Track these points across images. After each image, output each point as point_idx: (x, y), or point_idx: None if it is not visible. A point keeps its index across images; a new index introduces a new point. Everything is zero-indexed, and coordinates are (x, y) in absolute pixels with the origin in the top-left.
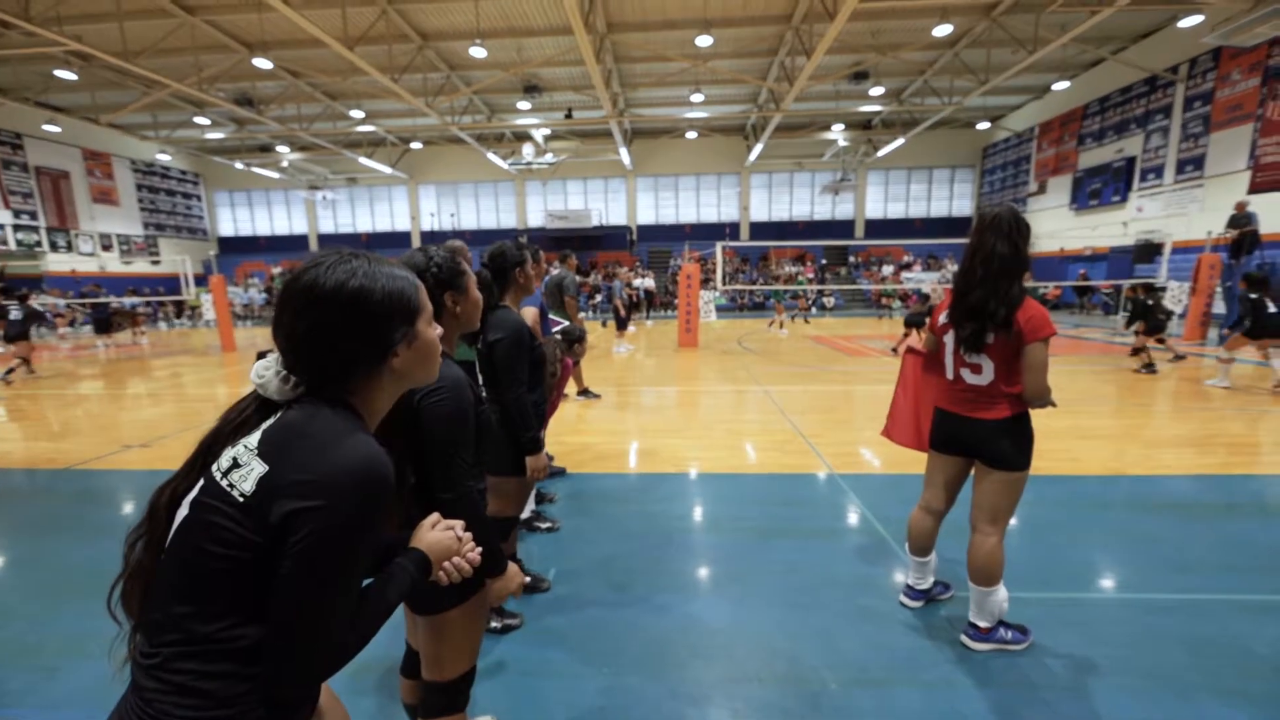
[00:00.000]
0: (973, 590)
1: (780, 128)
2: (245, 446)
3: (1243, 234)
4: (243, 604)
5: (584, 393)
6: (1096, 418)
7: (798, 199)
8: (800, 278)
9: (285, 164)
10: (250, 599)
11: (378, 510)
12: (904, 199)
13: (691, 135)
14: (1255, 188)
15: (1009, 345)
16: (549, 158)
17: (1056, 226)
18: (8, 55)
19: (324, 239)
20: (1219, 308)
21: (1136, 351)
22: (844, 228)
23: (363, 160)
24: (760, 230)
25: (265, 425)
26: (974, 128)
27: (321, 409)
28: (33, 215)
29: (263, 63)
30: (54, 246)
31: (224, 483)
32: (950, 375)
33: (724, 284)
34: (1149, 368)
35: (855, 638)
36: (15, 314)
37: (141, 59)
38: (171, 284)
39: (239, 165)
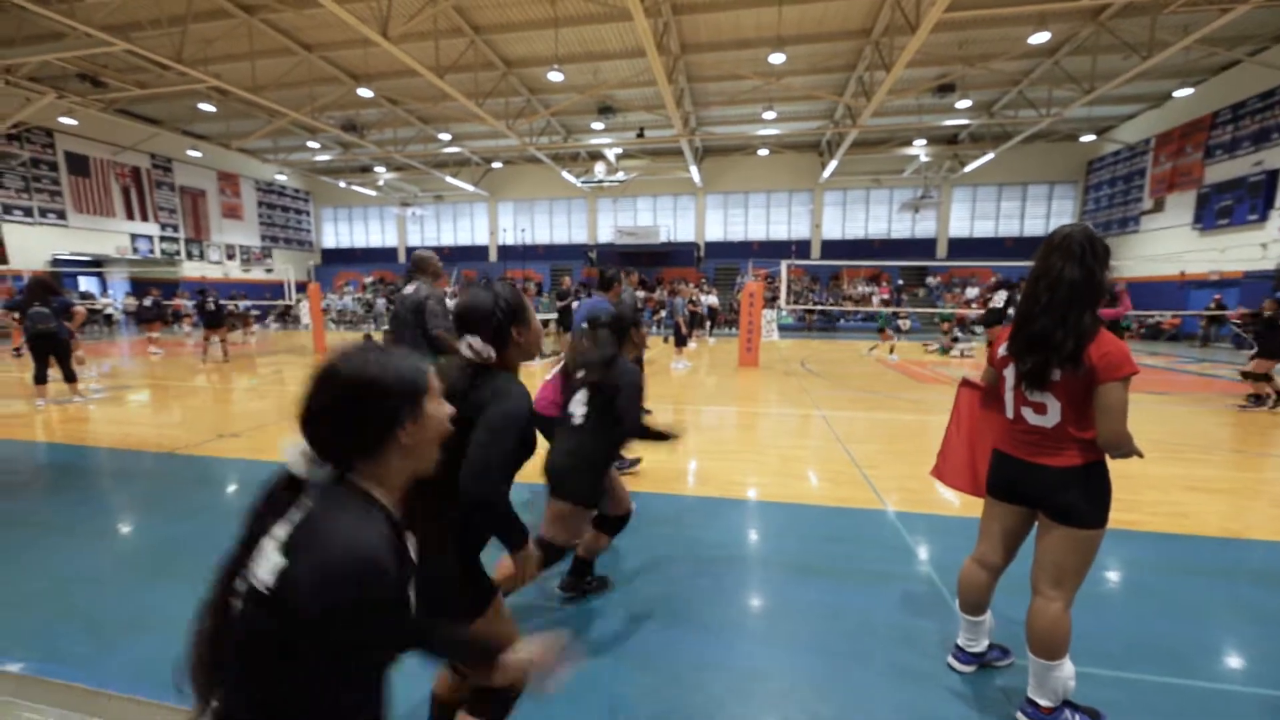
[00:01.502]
0: (1032, 662)
1: (857, 144)
2: (274, 537)
3: None
4: (278, 691)
5: None
6: (1214, 467)
7: (874, 216)
8: (874, 298)
9: (381, 183)
10: (285, 685)
11: (381, 598)
12: (993, 217)
13: (763, 152)
14: None
15: (1078, 383)
16: (620, 175)
17: (1176, 248)
18: (164, 92)
19: (411, 250)
20: None
21: (1254, 380)
22: (924, 247)
23: (449, 179)
24: (833, 249)
25: (293, 517)
26: (1076, 140)
27: (338, 499)
28: (175, 228)
29: (365, 92)
30: (189, 255)
31: (255, 572)
32: (1010, 414)
33: (789, 303)
34: (1257, 400)
35: (891, 701)
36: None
37: (267, 92)
38: (281, 291)
39: (342, 184)
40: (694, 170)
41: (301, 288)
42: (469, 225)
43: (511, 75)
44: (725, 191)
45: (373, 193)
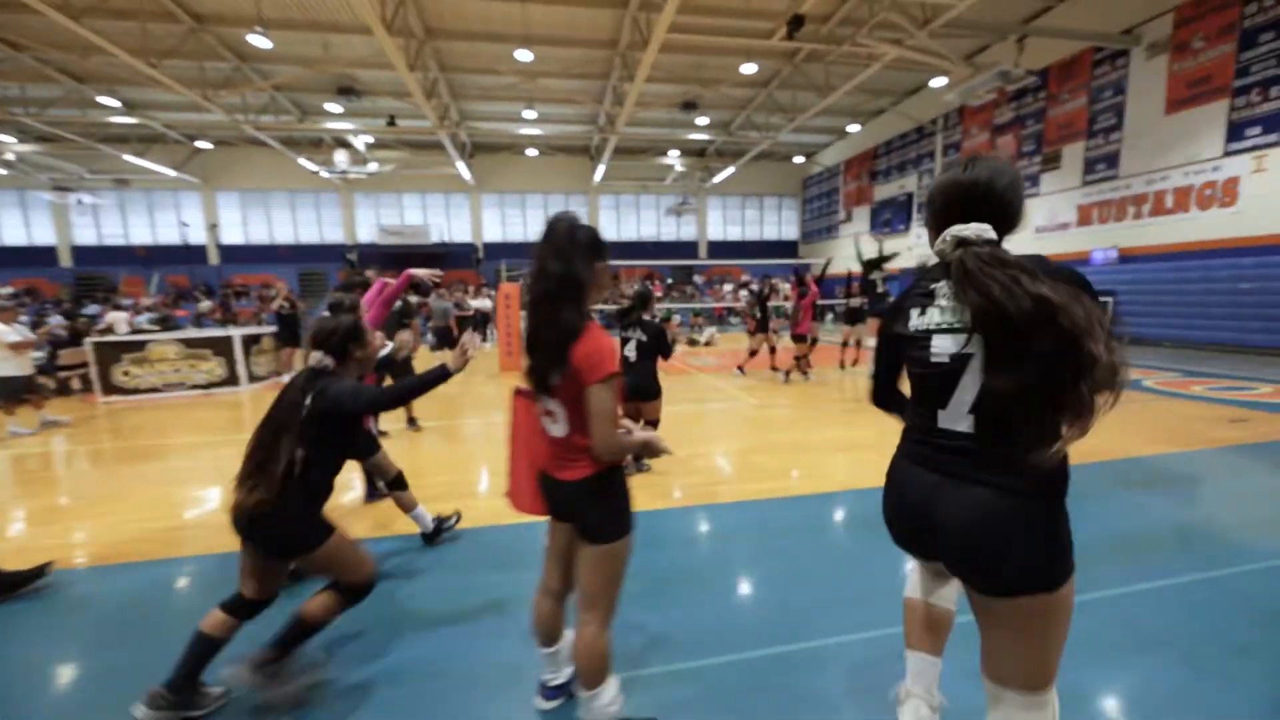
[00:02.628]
0: (580, 695)
1: (621, 151)
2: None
3: None
4: None
5: (411, 421)
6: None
7: (645, 220)
8: None
9: (10, 156)
10: None
11: None
12: (740, 223)
13: (532, 153)
14: None
15: (571, 386)
16: (373, 167)
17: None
18: None
19: (82, 252)
20: None
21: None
22: (689, 248)
23: (131, 159)
24: (611, 250)
25: None
26: (793, 161)
27: None
28: None
29: None
30: None
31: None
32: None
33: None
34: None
35: None
36: None
37: None
38: None
39: None
40: (462, 166)
41: None
42: (173, 220)
43: (206, 34)
44: (501, 191)
45: None
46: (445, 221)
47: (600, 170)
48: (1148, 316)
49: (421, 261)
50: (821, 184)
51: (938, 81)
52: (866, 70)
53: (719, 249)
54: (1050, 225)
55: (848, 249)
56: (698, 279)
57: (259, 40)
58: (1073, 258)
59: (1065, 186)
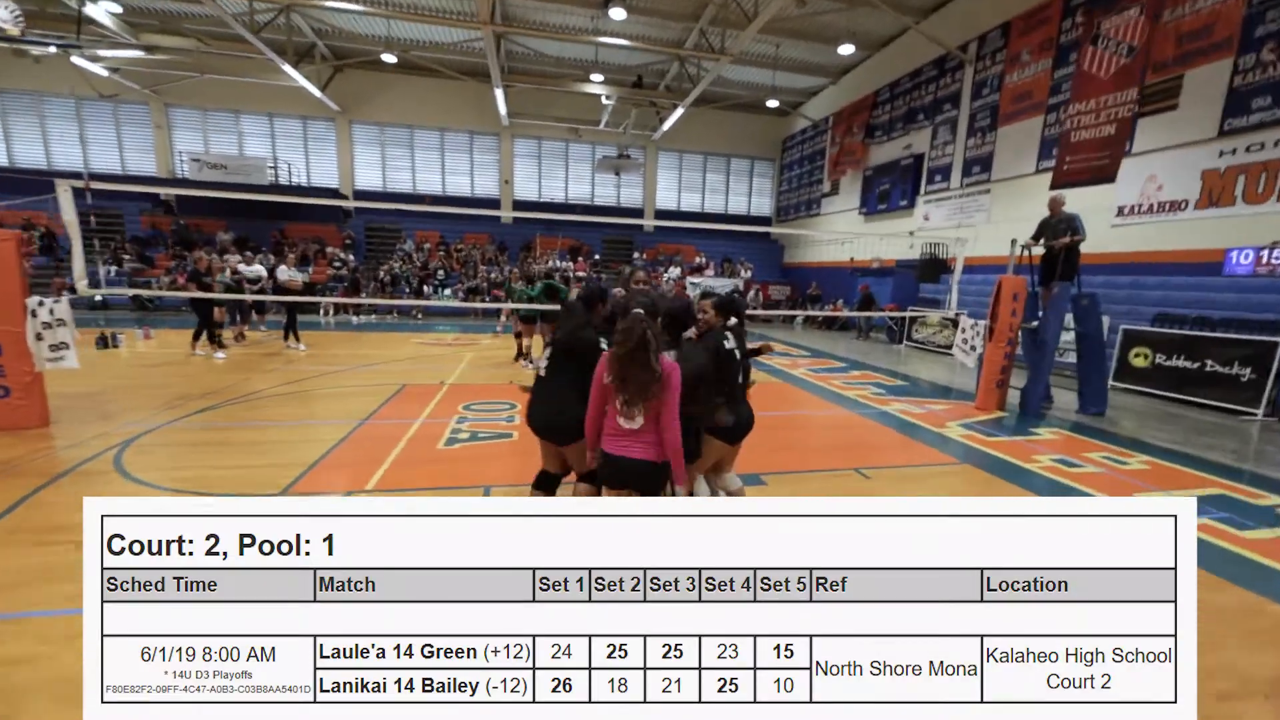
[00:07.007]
0: None
1: (529, 73)
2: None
3: (1063, 247)
4: None
5: None
6: None
7: (577, 176)
8: (570, 277)
9: None
10: None
11: None
12: (699, 189)
13: (389, 58)
14: (1061, 179)
15: None
16: (130, 54)
17: (849, 232)
18: None
19: None
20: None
21: None
22: (632, 216)
23: None
24: (529, 210)
25: None
26: (768, 112)
27: None
28: None
29: None
30: None
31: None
32: None
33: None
34: None
35: None
36: None
37: None
38: None
39: None
40: (299, 78)
41: None
42: None
43: None
44: (381, 123)
45: None
46: (302, 156)
47: (500, 97)
48: None
49: (266, 212)
50: (804, 145)
51: None
52: None
53: (670, 219)
54: (1159, 203)
55: (834, 230)
56: (638, 257)
57: None
58: (1202, 258)
59: (1188, 139)
